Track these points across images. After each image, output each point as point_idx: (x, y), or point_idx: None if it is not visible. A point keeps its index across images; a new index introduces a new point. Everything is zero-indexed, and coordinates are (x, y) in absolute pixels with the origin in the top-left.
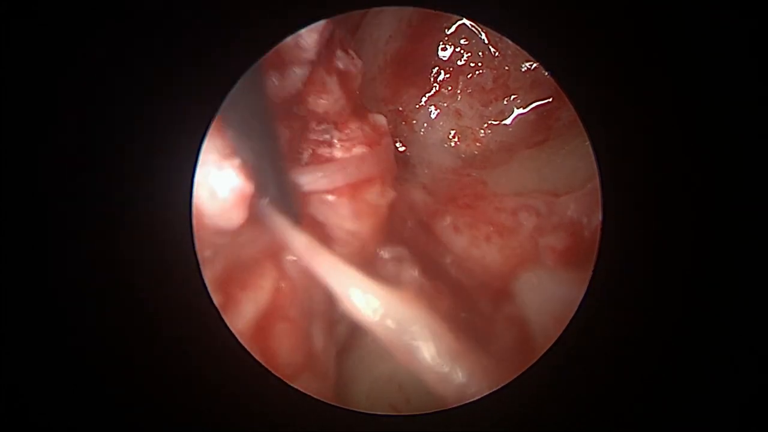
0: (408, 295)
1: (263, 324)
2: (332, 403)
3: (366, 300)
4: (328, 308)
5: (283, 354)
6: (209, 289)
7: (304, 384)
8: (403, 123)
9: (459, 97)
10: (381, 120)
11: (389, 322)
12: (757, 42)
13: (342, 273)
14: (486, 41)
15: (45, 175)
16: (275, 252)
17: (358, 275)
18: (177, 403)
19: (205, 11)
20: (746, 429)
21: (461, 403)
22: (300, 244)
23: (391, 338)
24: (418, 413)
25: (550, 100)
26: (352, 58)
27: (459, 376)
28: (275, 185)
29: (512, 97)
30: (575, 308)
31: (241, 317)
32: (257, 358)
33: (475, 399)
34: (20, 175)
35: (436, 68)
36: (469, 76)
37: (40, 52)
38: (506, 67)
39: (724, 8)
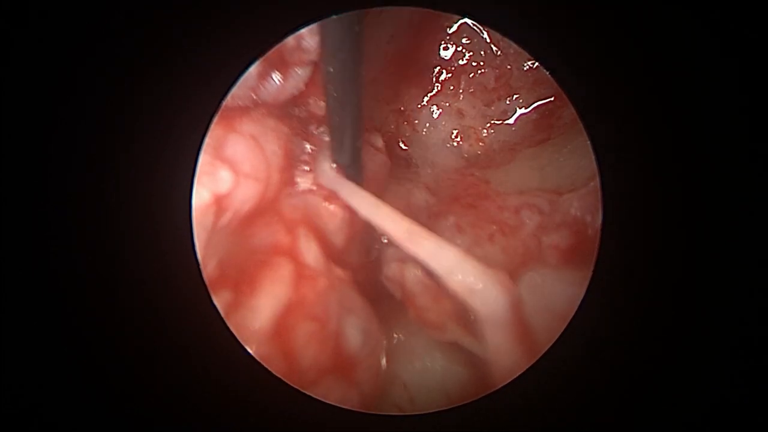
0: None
1: (283, 324)
2: (335, 404)
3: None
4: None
5: (307, 358)
6: (212, 288)
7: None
8: (405, 123)
9: (461, 96)
10: (378, 142)
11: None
12: (757, 43)
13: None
14: (488, 40)
15: (45, 175)
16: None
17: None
18: (176, 403)
19: (205, 11)
20: (746, 427)
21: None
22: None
23: None
24: (422, 413)
25: (552, 99)
26: None
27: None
28: (349, 153)
29: (514, 96)
30: (577, 306)
31: (258, 316)
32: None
33: (477, 397)
34: (20, 175)
35: (438, 68)
36: (471, 76)
37: (41, 51)
38: (508, 66)
39: (724, 9)
